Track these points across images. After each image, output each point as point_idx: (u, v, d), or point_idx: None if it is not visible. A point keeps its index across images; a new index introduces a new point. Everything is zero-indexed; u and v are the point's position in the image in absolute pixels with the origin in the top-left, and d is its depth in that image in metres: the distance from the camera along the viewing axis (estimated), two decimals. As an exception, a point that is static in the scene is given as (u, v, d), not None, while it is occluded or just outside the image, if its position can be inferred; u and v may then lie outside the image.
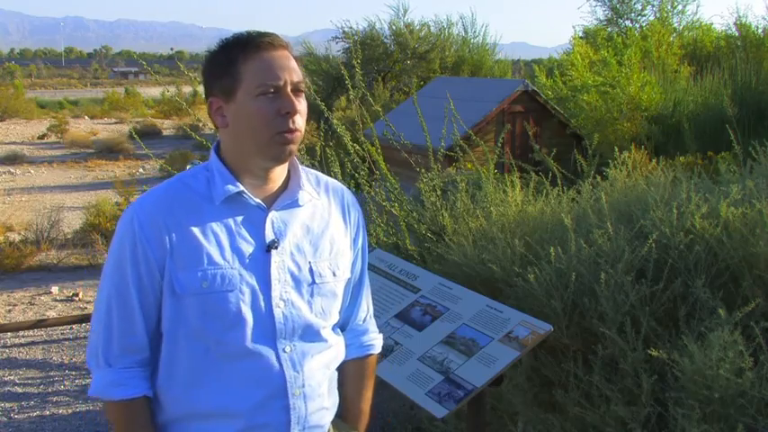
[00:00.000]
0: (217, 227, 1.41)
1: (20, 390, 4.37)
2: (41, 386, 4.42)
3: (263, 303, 1.41)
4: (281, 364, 1.43)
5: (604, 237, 2.81)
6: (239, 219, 1.43)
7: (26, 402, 4.20)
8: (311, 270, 1.48)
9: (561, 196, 3.59)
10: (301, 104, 1.42)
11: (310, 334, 1.48)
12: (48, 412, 4.07)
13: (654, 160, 4.25)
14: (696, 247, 2.63)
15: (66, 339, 5.23)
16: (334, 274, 1.52)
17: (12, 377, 4.55)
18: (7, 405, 4.15)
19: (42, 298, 6.22)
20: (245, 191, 1.43)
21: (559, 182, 3.88)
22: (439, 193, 4.04)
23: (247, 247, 1.42)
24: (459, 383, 2.37)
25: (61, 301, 6.16)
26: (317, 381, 1.48)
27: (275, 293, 1.43)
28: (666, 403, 2.38)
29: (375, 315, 2.11)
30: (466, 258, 3.24)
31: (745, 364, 2.24)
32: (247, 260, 1.41)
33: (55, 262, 7.24)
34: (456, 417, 2.88)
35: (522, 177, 4.00)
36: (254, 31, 1.43)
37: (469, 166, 4.70)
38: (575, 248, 2.80)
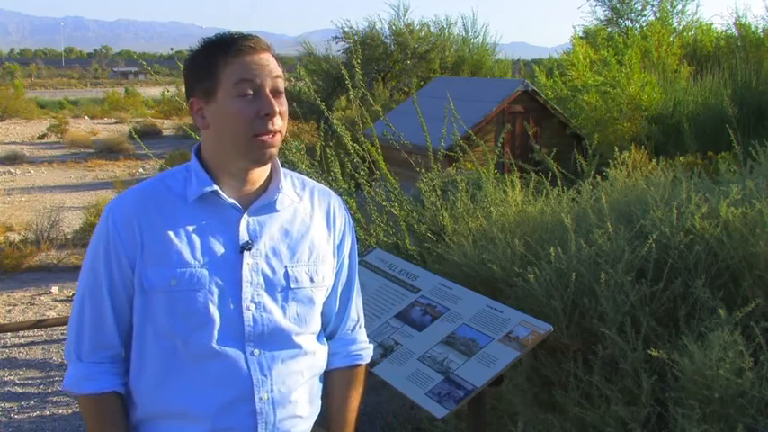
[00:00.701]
0: (189, 226, 1.41)
1: (20, 390, 4.37)
2: (41, 386, 4.42)
3: (231, 305, 1.40)
4: (248, 367, 1.41)
5: (604, 237, 2.81)
6: (213, 219, 1.43)
7: (26, 402, 4.20)
8: (287, 274, 1.46)
9: (561, 196, 3.59)
10: (282, 106, 1.42)
11: (282, 339, 1.45)
12: (48, 412, 4.07)
13: (654, 160, 4.25)
14: (696, 247, 2.63)
15: (66, 339, 5.23)
16: (312, 280, 1.49)
17: (12, 377, 4.55)
18: (7, 405, 4.15)
19: (42, 298, 6.22)
20: (220, 190, 1.43)
21: (559, 182, 3.88)
22: (439, 193, 4.04)
23: (219, 248, 1.41)
24: (459, 383, 2.37)
25: (61, 301, 6.16)
26: (287, 387, 1.46)
27: (246, 295, 1.41)
28: (666, 403, 2.39)
29: (375, 315, 2.12)
30: (466, 258, 3.24)
31: (745, 364, 2.24)
32: (219, 260, 1.40)
33: (55, 262, 7.24)
34: (456, 417, 2.88)
35: (522, 177, 4.00)
36: (237, 33, 1.43)
37: (469, 166, 4.71)
38: (575, 248, 2.80)
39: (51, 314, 5.75)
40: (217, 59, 1.39)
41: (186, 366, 1.40)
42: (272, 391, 1.43)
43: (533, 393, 2.84)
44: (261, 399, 1.42)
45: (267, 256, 1.44)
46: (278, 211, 1.48)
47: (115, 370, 1.44)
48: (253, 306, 1.42)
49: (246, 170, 1.44)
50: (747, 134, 6.70)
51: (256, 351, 1.42)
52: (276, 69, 1.41)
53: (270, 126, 1.39)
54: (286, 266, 1.46)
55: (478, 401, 2.41)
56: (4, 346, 5.10)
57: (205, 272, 1.39)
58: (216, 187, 1.42)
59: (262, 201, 1.47)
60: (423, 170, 4.15)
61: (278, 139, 1.42)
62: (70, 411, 4.08)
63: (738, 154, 4.00)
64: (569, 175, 4.28)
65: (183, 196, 1.43)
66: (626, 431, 2.43)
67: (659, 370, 2.43)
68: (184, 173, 1.46)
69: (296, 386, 1.48)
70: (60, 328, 5.36)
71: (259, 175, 1.47)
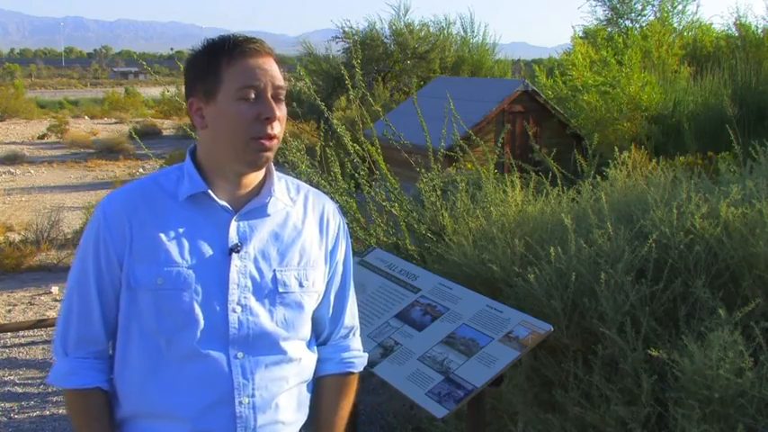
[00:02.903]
0: (179, 225, 1.41)
1: (20, 390, 4.38)
2: (41, 386, 4.42)
3: (217, 306, 1.40)
4: (230, 370, 1.40)
5: (604, 237, 2.81)
6: (203, 220, 1.43)
7: (26, 402, 4.20)
8: (275, 278, 1.45)
9: (561, 196, 3.59)
10: (281, 111, 1.42)
11: (268, 344, 1.44)
12: (48, 412, 4.08)
13: (654, 160, 4.25)
14: (696, 247, 2.63)
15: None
16: (301, 285, 1.48)
17: (12, 377, 4.55)
18: (7, 405, 4.16)
19: (42, 298, 6.22)
20: (211, 192, 1.43)
21: (559, 182, 3.88)
22: (439, 193, 4.04)
23: (208, 249, 1.41)
24: (459, 383, 2.37)
25: (61, 301, 6.16)
26: (270, 393, 1.44)
27: (232, 297, 1.41)
28: (666, 403, 2.39)
29: (375, 315, 2.11)
30: (466, 258, 3.24)
31: (745, 364, 2.24)
32: (207, 261, 1.40)
33: (55, 262, 7.24)
34: (456, 417, 2.88)
35: (522, 177, 4.00)
36: (241, 36, 1.43)
37: (469, 166, 4.70)
38: (575, 248, 2.80)
39: (51, 314, 5.75)
40: (220, 61, 1.39)
41: (169, 366, 1.40)
42: (253, 395, 1.42)
43: (533, 393, 2.84)
44: (241, 402, 1.41)
45: (256, 259, 1.44)
46: (269, 215, 1.48)
47: (100, 366, 1.45)
48: (239, 309, 1.41)
49: (241, 173, 1.44)
50: (747, 134, 6.70)
51: (240, 354, 1.41)
52: (278, 75, 1.42)
53: (269, 130, 1.39)
54: (275, 270, 1.45)
55: (478, 401, 2.41)
56: (4, 346, 5.10)
57: (192, 272, 1.39)
58: (207, 188, 1.43)
59: (253, 204, 1.46)
60: (423, 170, 4.15)
61: (275, 144, 1.42)
62: (70, 411, 4.08)
63: (738, 154, 4.00)
64: (569, 175, 4.28)
65: (175, 195, 1.43)
66: (626, 431, 2.43)
67: (659, 370, 2.43)
68: (177, 172, 1.47)
69: (280, 392, 1.46)
70: (60, 328, 5.36)
71: (253, 178, 1.47)
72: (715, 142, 6.98)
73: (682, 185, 2.94)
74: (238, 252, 1.42)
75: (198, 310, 1.38)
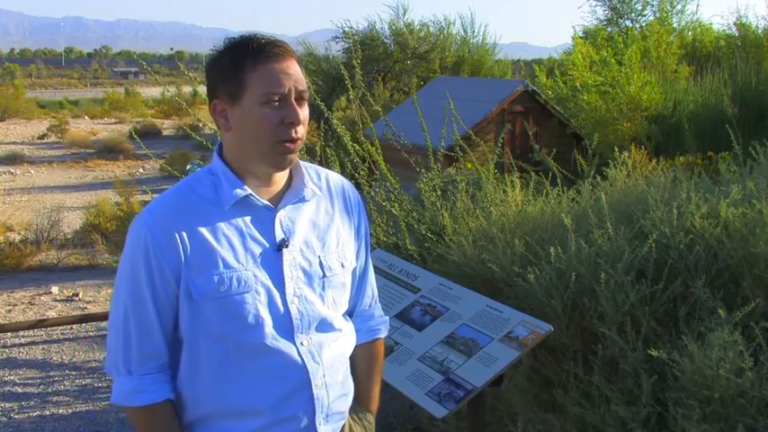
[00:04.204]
0: (227, 230, 1.43)
1: (20, 390, 4.37)
2: (41, 386, 4.42)
3: (279, 301, 1.45)
4: (302, 358, 1.46)
5: (604, 237, 2.81)
6: (248, 220, 1.46)
7: (26, 402, 4.20)
8: (321, 264, 1.51)
9: (561, 196, 3.59)
10: (304, 113, 1.45)
11: (324, 325, 1.51)
12: (48, 412, 4.08)
13: (654, 160, 4.25)
14: (696, 247, 2.63)
15: (66, 339, 5.23)
16: (343, 266, 1.56)
17: (12, 377, 4.55)
18: (7, 405, 4.15)
19: (42, 298, 6.22)
20: (253, 193, 1.45)
21: (559, 182, 3.88)
22: (439, 193, 4.04)
23: (259, 248, 1.45)
24: (459, 383, 2.37)
25: (61, 301, 6.16)
26: (335, 369, 1.53)
27: (289, 290, 1.46)
28: (666, 403, 2.38)
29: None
30: (466, 258, 3.24)
31: (745, 364, 2.24)
32: (260, 261, 1.44)
33: (55, 262, 7.24)
34: (456, 417, 2.88)
35: (522, 177, 4.00)
36: (264, 38, 1.43)
37: (469, 165, 4.70)
38: (575, 248, 2.80)
39: (51, 314, 5.75)
40: (244, 63, 1.40)
41: (242, 366, 1.43)
42: (324, 375, 1.50)
43: (533, 393, 2.84)
44: (317, 385, 1.48)
45: (302, 250, 1.50)
46: (306, 201, 1.53)
47: (165, 378, 1.46)
48: (296, 300, 1.47)
49: (269, 173, 1.48)
50: (747, 134, 6.70)
51: (305, 341, 1.47)
52: (301, 78, 1.44)
53: (293, 134, 1.43)
54: (319, 256, 1.52)
55: (478, 401, 2.41)
56: (4, 346, 5.10)
57: (250, 274, 1.43)
58: (249, 190, 1.45)
59: (289, 197, 1.51)
60: (423, 170, 4.15)
61: (298, 145, 1.45)
62: (70, 411, 4.08)
63: (738, 154, 4.00)
64: (569, 175, 4.28)
65: (216, 201, 1.45)
66: (626, 431, 2.43)
67: (659, 370, 2.43)
68: (210, 177, 1.47)
69: (341, 367, 1.56)
70: (60, 328, 5.37)
71: (282, 174, 1.51)
72: (715, 142, 6.98)
73: (682, 185, 2.94)
74: (287, 246, 1.47)
75: (262, 309, 1.43)
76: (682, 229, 2.72)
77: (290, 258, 1.47)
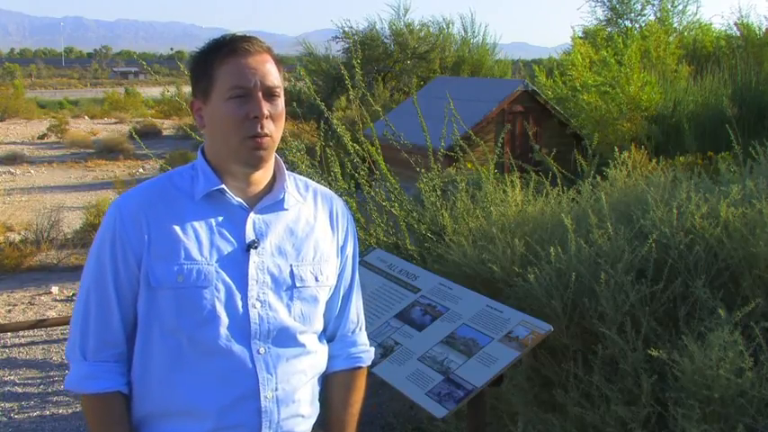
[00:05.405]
0: (197, 223, 1.42)
1: (20, 390, 4.37)
2: (41, 386, 4.42)
3: (239, 302, 1.40)
4: (254, 365, 1.41)
5: (604, 237, 2.81)
6: (220, 217, 1.43)
7: (26, 402, 4.20)
8: (292, 273, 1.47)
9: (561, 196, 3.59)
10: (275, 109, 1.42)
11: (287, 337, 1.46)
12: (48, 412, 4.07)
13: (654, 160, 4.25)
14: (696, 247, 2.63)
15: (66, 339, 5.22)
16: (317, 280, 1.50)
17: (12, 377, 4.55)
18: (7, 405, 4.15)
19: (42, 298, 6.22)
20: (227, 189, 1.44)
21: (559, 182, 3.88)
22: (439, 193, 4.04)
23: (226, 246, 1.42)
24: (459, 383, 2.37)
25: (61, 301, 6.16)
26: (291, 386, 1.46)
27: (252, 293, 1.42)
28: (666, 403, 2.38)
29: (375, 315, 2.10)
30: (466, 258, 3.24)
31: (745, 364, 2.24)
32: (226, 258, 1.41)
33: (55, 262, 7.24)
34: (456, 417, 2.88)
35: (522, 177, 4.00)
36: (235, 35, 1.44)
37: (469, 165, 4.70)
38: (575, 248, 2.80)
39: (51, 314, 5.75)
40: (212, 61, 1.40)
41: (192, 363, 1.40)
42: (276, 389, 1.43)
43: (533, 393, 2.84)
44: (266, 397, 1.42)
45: (273, 255, 1.45)
46: (285, 209, 1.49)
47: (120, 369, 1.43)
48: (258, 304, 1.42)
49: (246, 173, 1.45)
50: (747, 134, 6.70)
51: (262, 349, 1.42)
52: (271, 73, 1.41)
53: (258, 129, 1.39)
54: (291, 265, 1.47)
55: (478, 401, 2.41)
56: (4, 346, 5.10)
57: (212, 269, 1.39)
58: (223, 186, 1.43)
59: (267, 200, 1.48)
60: (423, 170, 4.15)
61: (267, 142, 1.41)
62: (70, 411, 4.08)
63: (738, 154, 4.00)
64: (569, 175, 4.28)
65: (191, 194, 1.44)
66: (626, 431, 2.43)
67: (659, 370, 2.43)
68: (191, 171, 1.47)
69: (299, 385, 1.49)
70: (60, 328, 5.36)
71: (262, 176, 1.48)
72: (715, 142, 6.98)
73: (682, 185, 2.94)
74: (256, 248, 1.43)
75: (219, 307, 1.39)
76: (682, 229, 2.72)
77: (259, 261, 1.43)
